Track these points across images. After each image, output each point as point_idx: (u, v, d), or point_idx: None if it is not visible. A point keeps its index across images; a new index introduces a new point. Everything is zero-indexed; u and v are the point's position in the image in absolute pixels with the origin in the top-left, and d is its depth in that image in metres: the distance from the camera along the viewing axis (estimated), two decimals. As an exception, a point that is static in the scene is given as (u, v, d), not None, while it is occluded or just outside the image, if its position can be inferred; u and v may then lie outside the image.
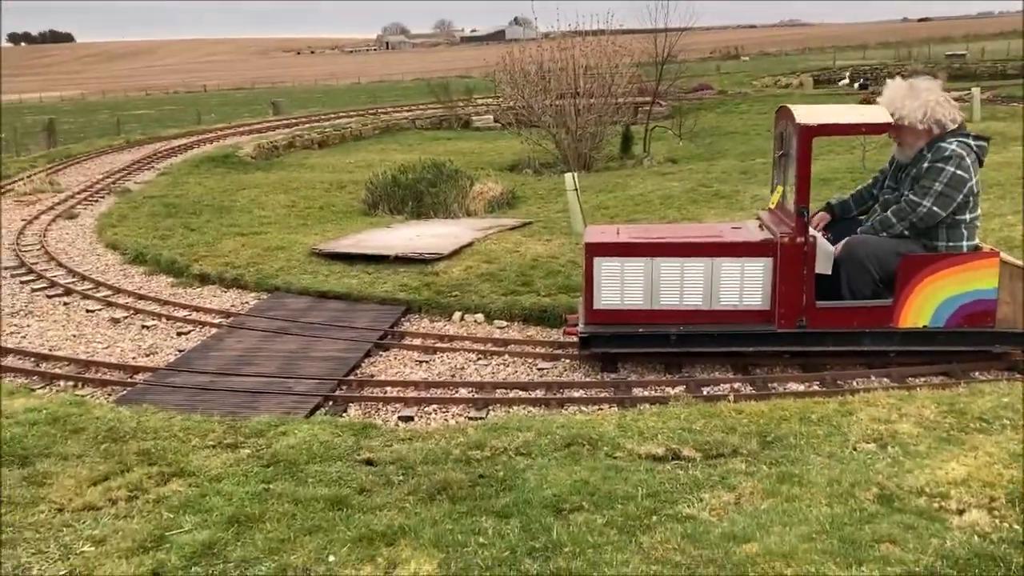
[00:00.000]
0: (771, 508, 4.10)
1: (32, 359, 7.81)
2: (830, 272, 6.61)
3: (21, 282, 10.70)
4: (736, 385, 6.56)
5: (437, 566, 3.71)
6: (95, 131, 33.77)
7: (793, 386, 6.49)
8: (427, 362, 7.48)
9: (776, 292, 6.61)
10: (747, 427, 5.11)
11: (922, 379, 6.44)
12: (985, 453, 4.48)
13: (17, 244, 12.76)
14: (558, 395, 6.56)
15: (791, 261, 6.52)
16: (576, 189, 11.20)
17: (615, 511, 4.14)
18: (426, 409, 6.46)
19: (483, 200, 14.71)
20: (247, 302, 9.48)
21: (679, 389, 6.49)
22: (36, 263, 11.58)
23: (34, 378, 7.33)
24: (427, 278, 9.40)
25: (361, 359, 7.51)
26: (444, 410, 6.45)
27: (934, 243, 6.51)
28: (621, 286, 6.80)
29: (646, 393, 6.52)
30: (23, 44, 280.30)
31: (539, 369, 7.20)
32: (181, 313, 9.15)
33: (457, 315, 8.61)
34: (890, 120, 6.45)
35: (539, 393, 6.65)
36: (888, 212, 6.56)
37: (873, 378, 6.53)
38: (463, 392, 6.75)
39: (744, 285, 6.68)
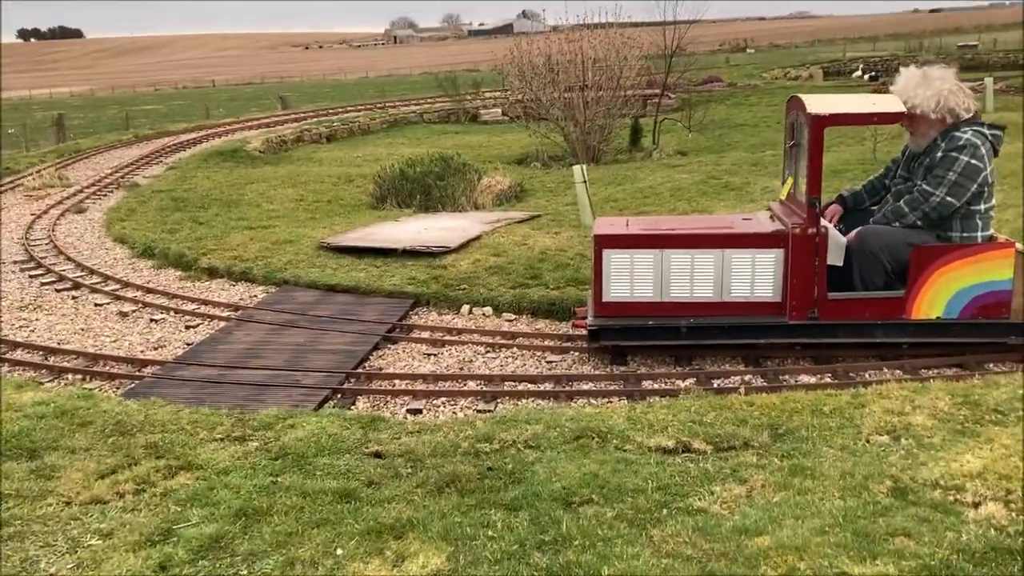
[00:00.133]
0: (783, 501, 4.05)
1: (40, 353, 7.82)
2: (842, 263, 6.54)
3: (30, 276, 10.72)
4: (747, 377, 6.50)
5: (446, 559, 3.68)
6: (104, 126, 33.85)
7: (805, 378, 6.43)
8: (435, 355, 7.45)
9: (787, 284, 6.55)
10: (758, 420, 5.06)
11: (936, 371, 6.38)
12: (1001, 445, 4.43)
13: (26, 238, 12.78)
14: (567, 388, 6.53)
15: (802, 252, 6.46)
16: (585, 181, 11.14)
17: (625, 504, 4.11)
18: (434, 402, 6.43)
19: (491, 193, 14.66)
20: (255, 295, 9.47)
21: (689, 382, 6.45)
22: (45, 257, 11.60)
23: (42, 371, 7.34)
24: (435, 271, 9.37)
25: (369, 352, 7.48)
26: (452, 403, 6.42)
27: (948, 233, 6.43)
28: (631, 278, 6.75)
29: (656, 386, 6.48)
30: (33, 40, 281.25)
31: (548, 362, 7.16)
32: (189, 307, 9.15)
33: (465, 308, 8.57)
34: (903, 109, 6.37)
35: (548, 386, 6.61)
36: (901, 202, 6.47)
37: (886, 370, 6.47)
38: (472, 385, 6.72)
39: (755, 277, 6.62)
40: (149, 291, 9.76)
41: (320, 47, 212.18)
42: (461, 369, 7.11)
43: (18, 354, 7.80)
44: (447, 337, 7.82)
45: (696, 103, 25.91)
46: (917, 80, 6.44)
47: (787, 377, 6.46)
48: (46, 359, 7.67)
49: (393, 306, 8.62)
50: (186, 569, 3.70)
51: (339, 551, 3.79)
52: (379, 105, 35.81)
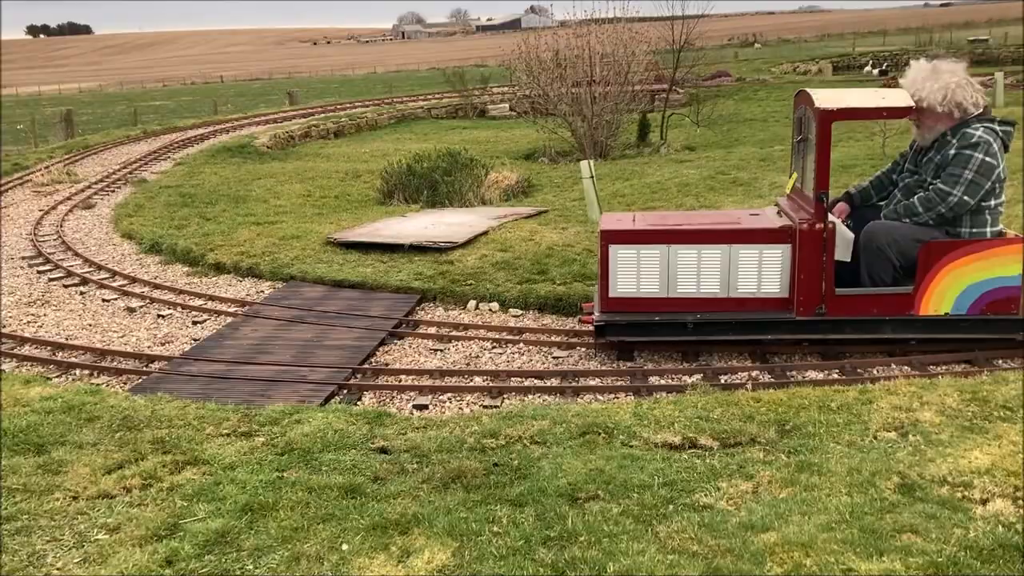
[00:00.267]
0: (790, 497, 4.04)
1: (48, 348, 7.84)
2: (849, 259, 6.51)
3: (38, 272, 10.75)
4: (754, 373, 6.49)
5: (451, 555, 3.67)
6: (112, 122, 33.97)
7: (812, 374, 6.40)
8: (442, 351, 7.45)
9: (795, 279, 6.52)
10: (765, 415, 5.04)
11: (944, 367, 6.35)
12: (1009, 442, 4.41)
13: (34, 234, 12.82)
14: (573, 383, 6.51)
15: (810, 248, 6.43)
16: (592, 177, 11.12)
17: (631, 500, 4.10)
18: (441, 397, 6.43)
19: (498, 189, 14.64)
20: (262, 291, 9.48)
21: (696, 377, 6.43)
22: (53, 253, 11.63)
23: (50, 367, 7.36)
24: (442, 267, 9.37)
25: (376, 347, 7.48)
26: (459, 398, 6.41)
27: (958, 229, 6.38)
28: (637, 274, 6.72)
29: (663, 381, 6.46)
30: (42, 36, 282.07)
31: (554, 358, 7.15)
32: (196, 302, 9.16)
33: (472, 304, 8.57)
34: (912, 104, 6.32)
35: (554, 382, 6.60)
36: (915, 199, 6.42)
37: (894, 366, 6.44)
38: (478, 381, 6.71)
39: (762, 272, 6.60)
40: (156, 287, 9.78)
41: (328, 43, 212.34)
42: (467, 365, 7.11)
43: (26, 349, 7.83)
44: (453, 333, 7.82)
45: (704, 98, 25.85)
46: (926, 73, 6.39)
47: (794, 373, 6.44)
48: (54, 354, 7.69)
49: (400, 302, 8.62)
50: (192, 564, 3.71)
51: (344, 546, 3.79)
52: (387, 101, 35.82)
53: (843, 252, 6.47)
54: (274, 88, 57.80)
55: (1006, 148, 6.39)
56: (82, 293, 9.77)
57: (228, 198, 14.66)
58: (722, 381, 6.33)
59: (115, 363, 7.41)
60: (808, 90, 6.74)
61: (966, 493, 3.95)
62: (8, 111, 45.65)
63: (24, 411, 5.58)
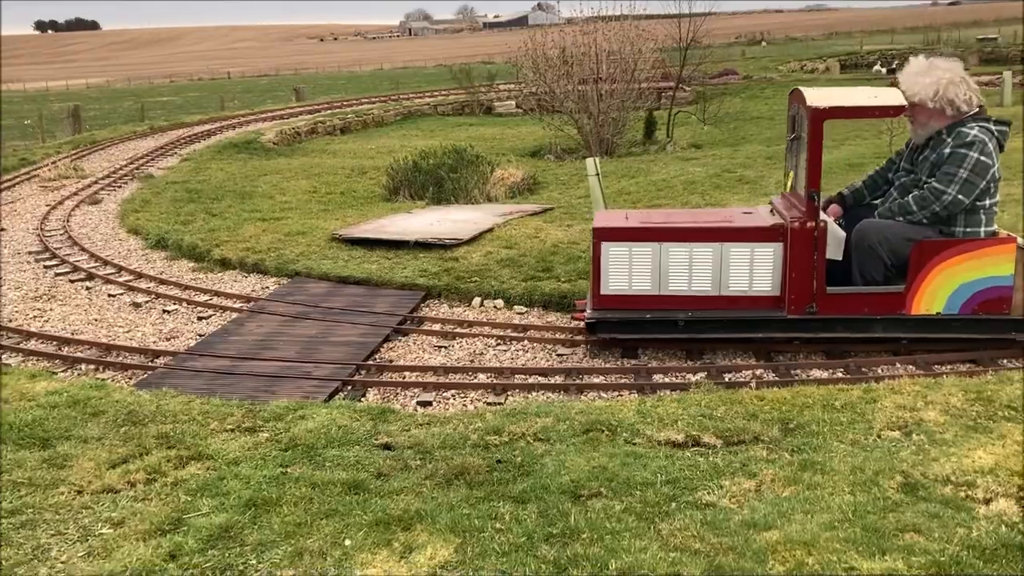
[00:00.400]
0: (792, 496, 4.04)
1: (54, 343, 7.87)
2: (841, 258, 6.51)
3: (45, 266, 10.79)
4: (758, 372, 6.48)
5: (454, 551, 3.68)
6: (120, 118, 34.03)
7: (816, 373, 6.40)
8: (446, 347, 7.46)
9: (786, 277, 6.52)
10: (769, 414, 5.04)
11: (948, 367, 6.33)
12: (1013, 442, 4.40)
13: (41, 229, 12.86)
14: (577, 381, 6.52)
15: (801, 246, 6.43)
16: (598, 174, 11.08)
17: (633, 498, 4.10)
18: (444, 394, 6.44)
19: (504, 186, 14.64)
20: (267, 287, 9.50)
21: (700, 375, 6.43)
22: (59, 248, 11.67)
23: (56, 361, 7.38)
24: (447, 264, 9.37)
25: (380, 344, 7.49)
26: (463, 395, 6.42)
27: (951, 228, 6.37)
28: (629, 271, 6.75)
29: (666, 379, 6.46)
30: (50, 32, 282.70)
31: (558, 355, 7.15)
32: (202, 298, 9.19)
33: (476, 301, 8.57)
34: (904, 103, 6.31)
35: (558, 379, 6.61)
36: (909, 198, 6.41)
37: (898, 365, 6.42)
38: (482, 377, 6.72)
39: (754, 270, 6.61)
40: (162, 282, 9.81)
41: (335, 39, 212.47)
42: (472, 362, 7.11)
43: (32, 344, 7.86)
44: (458, 329, 7.82)
45: (711, 96, 25.82)
46: (920, 69, 6.39)
47: (798, 372, 6.43)
48: (59, 349, 7.72)
49: (404, 298, 8.63)
50: (196, 558, 3.72)
51: (347, 542, 3.80)
52: (393, 97, 35.83)
53: (834, 251, 6.47)
54: (281, 84, 57.85)
55: (1001, 148, 6.38)
56: (88, 288, 9.80)
57: (234, 194, 14.69)
58: (726, 379, 6.33)
59: (120, 358, 7.43)
60: (801, 88, 6.74)
61: (969, 493, 3.94)
62: (16, 106, 45.77)
63: (30, 405, 5.60)
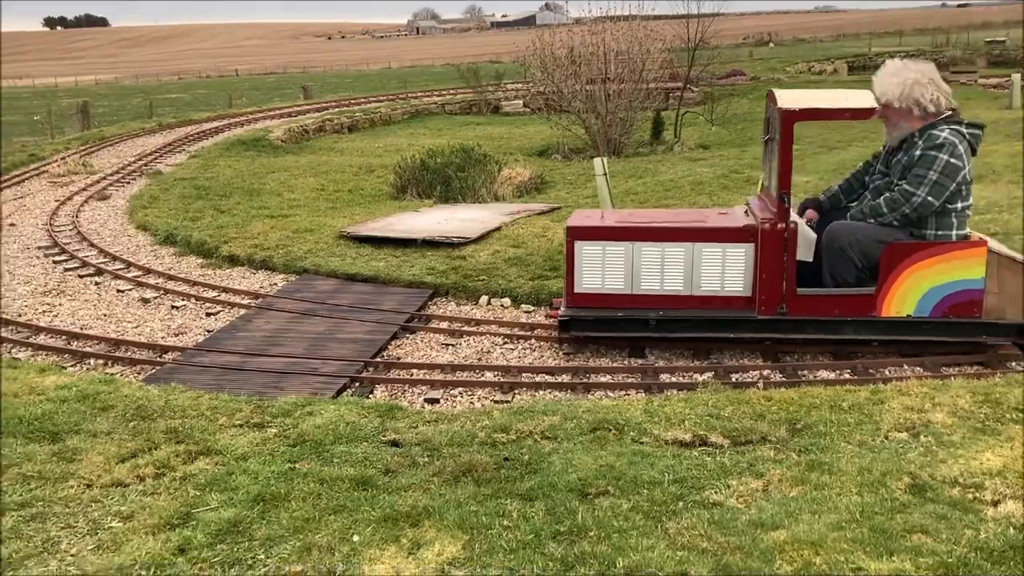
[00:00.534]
0: (800, 496, 4.04)
1: (63, 337, 7.90)
2: (811, 259, 6.55)
3: (54, 261, 10.83)
4: (765, 372, 6.48)
5: (461, 548, 3.69)
6: (128, 114, 34.12)
7: (824, 374, 6.40)
8: (453, 345, 7.47)
9: (757, 278, 6.55)
10: (776, 414, 5.04)
11: (957, 368, 6.33)
12: (1021, 444, 4.39)
13: (50, 224, 12.91)
14: (584, 380, 6.53)
15: (771, 247, 6.47)
16: (605, 174, 11.09)
17: (641, 496, 4.11)
18: (452, 392, 6.45)
19: (511, 185, 14.65)
20: (275, 284, 9.53)
21: (707, 375, 6.43)
22: (69, 243, 11.71)
23: (65, 356, 7.42)
24: (454, 262, 9.39)
25: (388, 341, 7.51)
26: (470, 393, 6.43)
27: (923, 231, 6.38)
28: (602, 270, 6.82)
29: (673, 379, 6.47)
30: (59, 28, 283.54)
31: (565, 354, 7.16)
32: (210, 294, 9.22)
33: (484, 299, 8.59)
34: (875, 106, 6.34)
35: (565, 378, 6.62)
36: (880, 200, 6.43)
37: (906, 367, 6.42)
38: (489, 376, 6.73)
39: (725, 271, 6.66)
40: (171, 278, 9.84)
41: (343, 37, 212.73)
42: (479, 360, 7.13)
43: (41, 338, 7.89)
44: (465, 328, 7.84)
45: (718, 96, 25.75)
46: (890, 70, 6.41)
47: (806, 372, 6.43)
48: (69, 344, 7.75)
49: (412, 296, 8.65)
50: (204, 552, 3.74)
51: (355, 537, 3.82)
52: (401, 96, 35.85)
53: (805, 252, 6.51)
54: (289, 82, 57.94)
55: (974, 151, 6.38)
56: (97, 283, 9.84)
57: (242, 191, 14.72)
58: (733, 379, 6.34)
59: (129, 353, 7.46)
60: (774, 90, 6.80)
61: (977, 494, 3.94)
62: (25, 102, 45.94)
63: (39, 399, 5.63)
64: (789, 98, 6.49)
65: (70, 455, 4.78)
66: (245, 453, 4.76)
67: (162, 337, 7.95)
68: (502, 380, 6.57)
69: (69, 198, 15.19)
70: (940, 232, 6.33)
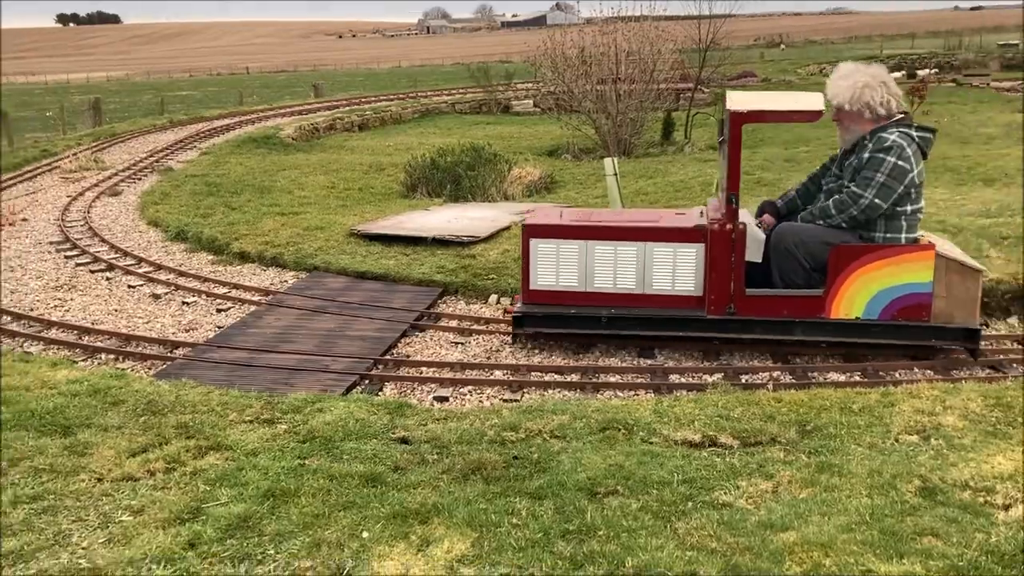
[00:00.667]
0: (810, 498, 4.03)
1: (75, 332, 7.94)
2: (759, 260, 6.59)
3: (65, 257, 10.88)
4: (775, 373, 6.47)
5: (470, 545, 3.70)
6: (140, 111, 34.25)
7: (834, 376, 6.38)
8: (463, 344, 7.48)
9: (707, 278, 6.60)
10: (786, 416, 5.03)
11: (968, 371, 6.31)
12: (1033, 448, 4.37)
13: (62, 220, 12.97)
14: (594, 380, 6.52)
15: (720, 248, 6.52)
16: (616, 174, 11.09)
17: (650, 496, 4.11)
18: (461, 390, 6.46)
19: (521, 184, 14.64)
20: (286, 281, 9.55)
21: (717, 376, 6.42)
22: (80, 239, 11.76)
23: (76, 351, 7.45)
24: (464, 260, 9.40)
25: (397, 339, 7.53)
26: (479, 391, 6.44)
27: (872, 234, 6.38)
28: (557, 267, 6.91)
29: (683, 380, 6.46)
30: (71, 25, 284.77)
31: (574, 354, 7.16)
32: (221, 290, 9.24)
33: (493, 298, 8.59)
34: (822, 108, 6.38)
35: (574, 377, 6.62)
36: (829, 201, 6.46)
37: (916, 370, 6.41)
38: (498, 374, 6.74)
39: (676, 270, 6.73)
40: (181, 274, 9.88)
41: (354, 36, 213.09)
42: (488, 358, 7.13)
43: (53, 333, 7.93)
44: (475, 326, 7.84)
45: (729, 98, 25.65)
46: (841, 74, 6.45)
47: (816, 374, 6.42)
48: (80, 338, 7.78)
49: (422, 294, 8.66)
50: (214, 547, 3.75)
51: (365, 534, 3.83)
52: (411, 95, 35.89)
53: (754, 253, 6.56)
54: (299, 80, 58.07)
55: (924, 155, 6.38)
56: (108, 279, 9.88)
57: (253, 188, 14.76)
58: (743, 381, 6.33)
59: (140, 348, 7.50)
60: (728, 92, 6.85)
61: (988, 498, 3.93)
62: (37, 98, 46.17)
63: (51, 393, 5.66)
64: (739, 100, 6.57)
65: (81, 449, 4.81)
66: (255, 449, 4.78)
67: (173, 333, 7.98)
68: (511, 379, 6.58)
69: (81, 194, 15.25)
70: (889, 235, 6.36)
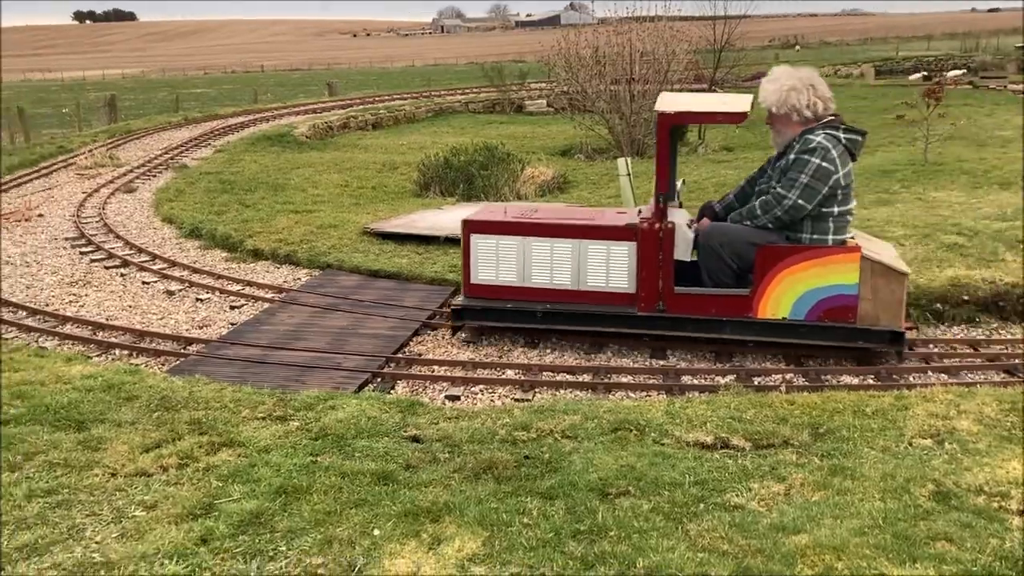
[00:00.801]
0: (822, 500, 4.02)
1: (89, 328, 7.99)
2: (688, 258, 6.70)
3: (80, 252, 10.95)
4: (788, 376, 6.45)
5: (481, 544, 3.70)
6: (155, 108, 34.44)
7: (847, 379, 6.35)
8: (474, 343, 7.48)
9: (638, 276, 6.70)
10: (799, 418, 5.02)
11: (982, 376, 6.27)
12: (1048, 453, 4.34)
13: (78, 216, 13.05)
14: (606, 380, 6.52)
15: (649, 246, 6.62)
16: (629, 174, 11.05)
17: (661, 497, 4.10)
18: (472, 389, 6.46)
19: (534, 184, 14.63)
20: (299, 278, 9.58)
21: (729, 378, 6.40)
22: (95, 235, 11.83)
23: (91, 346, 7.49)
24: (477, 260, 9.38)
25: (409, 338, 7.54)
26: (490, 391, 6.44)
27: (799, 235, 6.39)
28: (496, 263, 7.08)
29: (695, 381, 6.45)
30: (88, 22, 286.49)
31: (586, 354, 7.15)
32: (234, 287, 9.28)
33: (506, 297, 8.58)
34: (747, 110, 6.45)
35: (586, 377, 6.61)
36: (756, 202, 6.49)
37: (931, 373, 6.37)
38: (510, 374, 6.74)
39: (610, 268, 6.85)
40: (195, 271, 9.92)
41: (368, 35, 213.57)
42: (499, 358, 7.13)
43: (68, 328, 7.98)
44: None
45: (744, 99, 25.57)
46: (771, 77, 6.49)
47: (829, 377, 6.39)
48: (94, 334, 7.83)
49: (434, 293, 8.67)
50: (226, 543, 3.77)
51: (376, 532, 3.84)
52: (424, 94, 35.93)
53: (683, 252, 6.68)
54: (313, 79, 58.23)
55: (853, 157, 6.37)
56: (123, 275, 9.93)
57: (267, 186, 14.81)
58: (755, 382, 6.30)
59: (154, 344, 7.53)
60: (661, 94, 7.01)
61: (1003, 503, 3.90)
62: (54, 95, 46.47)
63: (65, 388, 5.70)
64: (667, 102, 6.67)
65: (95, 444, 4.84)
66: (267, 445, 4.80)
67: (186, 329, 8.02)
68: (523, 378, 6.58)
69: (96, 190, 15.34)
70: (816, 236, 6.36)
